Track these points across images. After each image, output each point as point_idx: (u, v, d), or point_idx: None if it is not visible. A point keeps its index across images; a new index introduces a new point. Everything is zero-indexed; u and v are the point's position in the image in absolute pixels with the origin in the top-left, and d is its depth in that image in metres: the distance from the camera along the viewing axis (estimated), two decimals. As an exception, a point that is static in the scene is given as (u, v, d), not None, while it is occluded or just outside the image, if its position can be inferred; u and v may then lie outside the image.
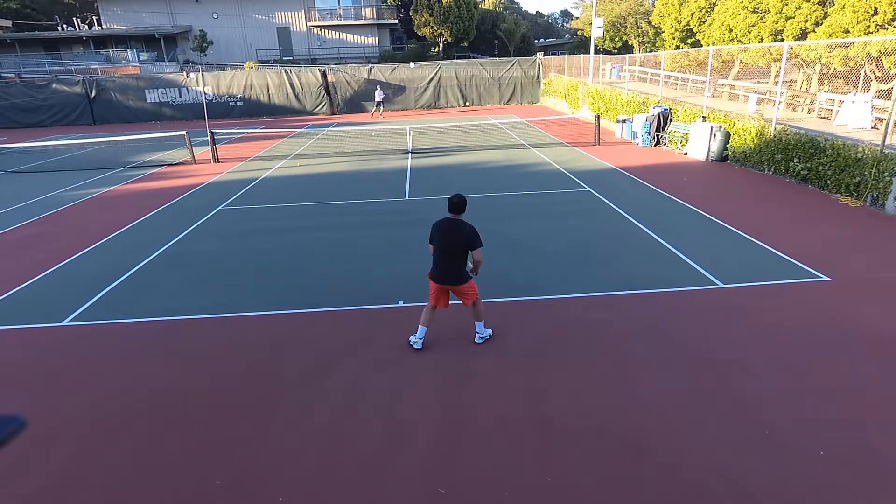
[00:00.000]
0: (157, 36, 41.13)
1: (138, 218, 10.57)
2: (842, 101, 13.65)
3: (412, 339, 5.31)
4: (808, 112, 15.81)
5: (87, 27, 44.16)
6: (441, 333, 5.50)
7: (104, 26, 42.43)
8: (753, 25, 18.70)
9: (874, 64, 13.91)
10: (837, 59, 14.21)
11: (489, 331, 5.43)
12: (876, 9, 13.70)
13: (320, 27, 43.44)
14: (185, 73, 30.66)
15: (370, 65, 32.43)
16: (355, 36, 43.92)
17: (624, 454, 3.77)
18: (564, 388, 4.58)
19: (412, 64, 31.59)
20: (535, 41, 54.28)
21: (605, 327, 5.58)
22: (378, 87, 29.38)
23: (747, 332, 5.36)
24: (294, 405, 4.51)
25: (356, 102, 31.04)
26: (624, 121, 17.60)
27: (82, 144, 20.77)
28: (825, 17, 15.72)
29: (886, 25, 13.74)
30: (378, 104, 28.33)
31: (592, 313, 5.89)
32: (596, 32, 25.09)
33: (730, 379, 4.59)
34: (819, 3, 16.05)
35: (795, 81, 19.71)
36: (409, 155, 16.22)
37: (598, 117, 17.08)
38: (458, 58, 38.90)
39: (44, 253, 8.66)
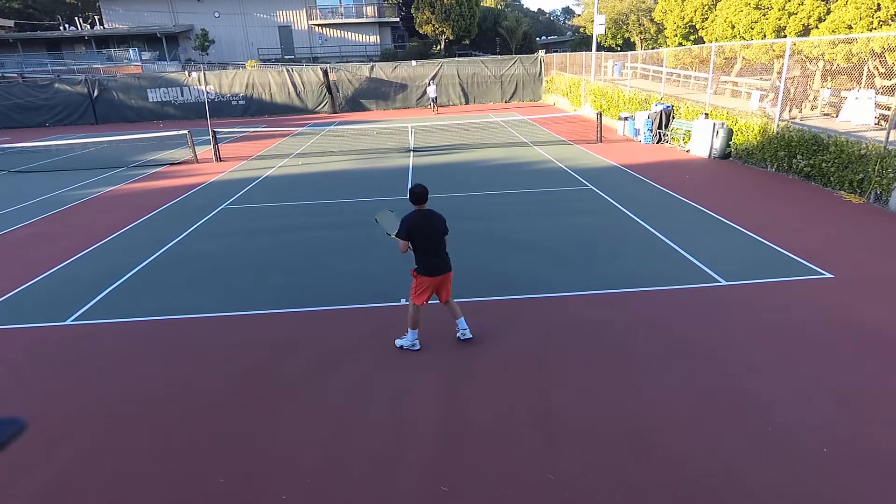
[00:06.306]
0: (158, 35, 41.17)
1: (140, 217, 10.59)
2: (845, 98, 13.58)
3: (409, 341, 5.26)
4: (811, 109, 15.74)
5: (88, 27, 44.20)
6: (442, 331, 5.50)
7: (106, 26, 42.49)
8: (756, 22, 18.63)
9: (877, 60, 13.84)
10: (840, 56, 14.14)
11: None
12: (879, 4, 13.63)
13: (322, 26, 43.42)
14: (187, 72, 30.67)
15: (372, 63, 32.40)
16: (357, 34, 43.89)
17: (626, 452, 3.76)
18: (566, 385, 4.58)
19: (414, 62, 31.56)
20: (537, 39, 54.13)
21: (606, 325, 5.57)
22: (430, 82, 29.48)
23: (750, 329, 5.34)
24: (296, 403, 4.51)
25: (357, 101, 31.04)
26: (626, 118, 17.55)
27: (84, 144, 20.82)
28: (828, 13, 15.65)
29: (890, 21, 13.67)
30: (432, 99, 28.37)
31: (594, 311, 5.88)
32: (598, 30, 24.99)
33: (732, 376, 4.58)
34: (822, -1, 15.97)
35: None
36: (412, 153, 16.21)
37: (600, 115, 17.04)
38: (460, 56, 38.82)
39: (46, 252, 8.69)
